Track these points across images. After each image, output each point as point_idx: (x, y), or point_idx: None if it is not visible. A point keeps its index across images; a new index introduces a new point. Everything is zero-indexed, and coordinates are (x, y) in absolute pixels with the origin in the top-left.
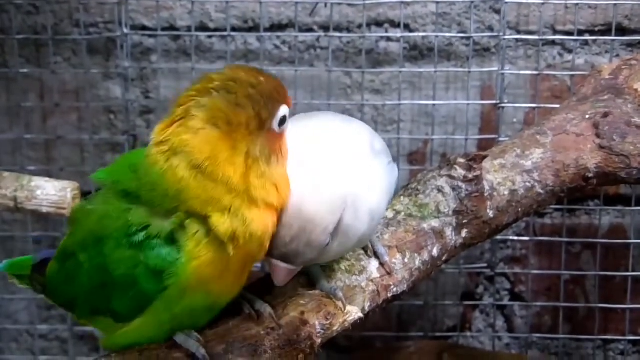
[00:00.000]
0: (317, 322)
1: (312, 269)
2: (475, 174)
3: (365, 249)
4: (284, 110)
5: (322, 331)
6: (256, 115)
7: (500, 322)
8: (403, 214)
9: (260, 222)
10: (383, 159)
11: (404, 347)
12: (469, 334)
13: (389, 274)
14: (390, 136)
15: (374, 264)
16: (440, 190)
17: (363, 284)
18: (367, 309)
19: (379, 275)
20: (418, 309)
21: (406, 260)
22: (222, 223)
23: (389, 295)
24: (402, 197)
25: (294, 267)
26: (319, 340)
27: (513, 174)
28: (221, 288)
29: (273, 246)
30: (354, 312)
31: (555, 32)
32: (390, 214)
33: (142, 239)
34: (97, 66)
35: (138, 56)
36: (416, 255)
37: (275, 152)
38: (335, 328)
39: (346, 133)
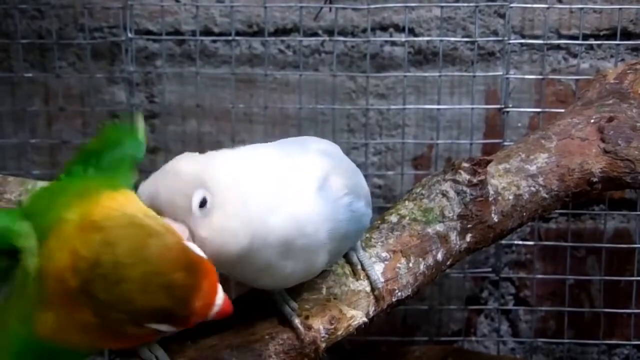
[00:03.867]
0: (321, 327)
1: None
2: (479, 178)
3: (354, 271)
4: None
5: (327, 336)
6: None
7: (504, 327)
8: (407, 218)
9: None
10: (330, 195)
11: (409, 352)
12: (473, 338)
13: (377, 300)
14: (394, 140)
15: (378, 268)
16: (444, 194)
17: (367, 289)
18: (371, 313)
19: (383, 280)
20: (423, 314)
21: (411, 264)
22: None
23: (394, 299)
24: (406, 202)
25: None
26: (323, 345)
27: (518, 178)
28: None
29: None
30: (358, 317)
31: (560, 36)
32: (394, 219)
33: None
34: (102, 71)
35: (142, 61)
36: (420, 259)
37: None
38: (339, 332)
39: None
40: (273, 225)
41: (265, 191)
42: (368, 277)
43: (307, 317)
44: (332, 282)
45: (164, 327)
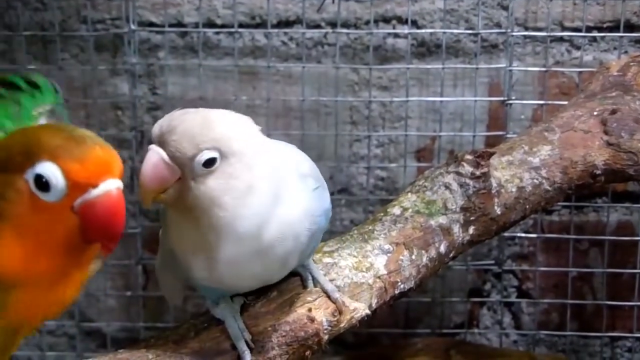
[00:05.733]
0: (324, 319)
1: (305, 270)
2: (482, 170)
3: (302, 280)
4: (40, 168)
5: (329, 328)
6: None
7: (507, 319)
8: (410, 210)
9: None
10: (309, 182)
11: (411, 344)
12: (476, 330)
13: (340, 313)
14: (397, 133)
15: (380, 261)
16: (447, 187)
17: (370, 281)
18: (374, 305)
19: (386, 272)
20: (425, 306)
21: (413, 257)
22: None
23: (396, 292)
24: (409, 194)
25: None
26: (326, 337)
27: (520, 170)
28: None
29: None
30: (361, 309)
31: (564, 28)
32: (397, 211)
33: None
34: (105, 62)
35: (145, 52)
36: (423, 252)
37: (17, 213)
38: (342, 325)
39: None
40: (267, 221)
41: (270, 188)
42: (322, 289)
43: (310, 310)
44: (335, 274)
45: (45, 175)
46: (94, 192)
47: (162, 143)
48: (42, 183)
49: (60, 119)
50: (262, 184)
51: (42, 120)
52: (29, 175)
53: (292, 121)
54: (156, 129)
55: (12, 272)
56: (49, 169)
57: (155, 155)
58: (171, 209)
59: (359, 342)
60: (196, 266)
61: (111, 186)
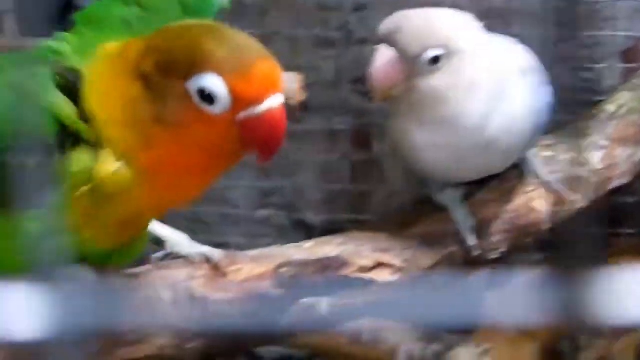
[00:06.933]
0: (544, 209)
1: (526, 162)
2: None
3: (523, 171)
4: (205, 81)
5: (548, 217)
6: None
7: None
8: (625, 108)
9: (106, 167)
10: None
11: (615, 243)
12: None
13: (560, 203)
14: (604, 33)
15: (596, 156)
16: None
17: (586, 175)
18: (590, 199)
19: (601, 167)
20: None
21: (629, 153)
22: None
23: (611, 187)
24: (624, 92)
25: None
26: (545, 227)
27: None
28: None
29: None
30: (579, 201)
31: None
32: (612, 108)
33: None
34: None
35: None
36: (638, 148)
37: (178, 120)
38: (560, 215)
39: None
40: (490, 116)
41: (494, 84)
42: (544, 181)
43: (530, 200)
44: (553, 167)
45: (209, 88)
46: (258, 109)
47: (389, 42)
48: (206, 95)
49: None
50: (485, 80)
51: None
52: (192, 85)
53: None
54: (383, 28)
55: (165, 173)
56: (214, 83)
57: (383, 55)
58: (397, 105)
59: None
60: (422, 158)
61: (275, 103)
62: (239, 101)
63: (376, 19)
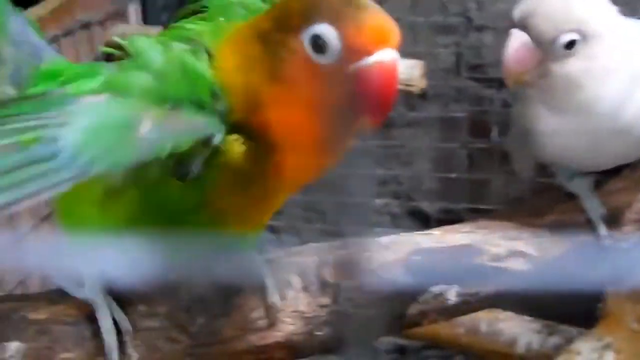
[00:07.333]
0: None
1: None
2: None
3: None
4: (318, 28)
5: None
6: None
7: None
8: None
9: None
10: None
11: None
12: None
13: None
14: None
15: None
16: None
17: None
18: None
19: None
20: None
21: None
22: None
23: None
24: None
25: (528, 42)
26: None
27: None
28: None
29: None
30: None
31: None
32: None
33: None
34: None
35: None
36: None
37: (291, 73)
38: None
39: None
40: (625, 103)
41: (629, 70)
42: None
43: None
44: None
45: (322, 36)
46: (370, 59)
47: (523, 27)
48: (318, 44)
49: None
50: (621, 65)
51: None
52: (305, 36)
53: None
54: (517, 12)
55: (285, 132)
56: (327, 31)
57: (518, 39)
58: (531, 90)
59: None
60: (553, 145)
61: (387, 56)
62: (350, 51)
63: (495, 5)
